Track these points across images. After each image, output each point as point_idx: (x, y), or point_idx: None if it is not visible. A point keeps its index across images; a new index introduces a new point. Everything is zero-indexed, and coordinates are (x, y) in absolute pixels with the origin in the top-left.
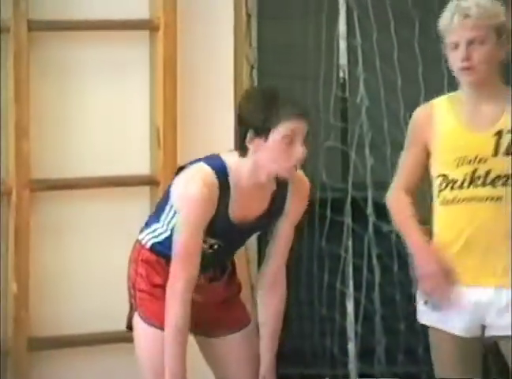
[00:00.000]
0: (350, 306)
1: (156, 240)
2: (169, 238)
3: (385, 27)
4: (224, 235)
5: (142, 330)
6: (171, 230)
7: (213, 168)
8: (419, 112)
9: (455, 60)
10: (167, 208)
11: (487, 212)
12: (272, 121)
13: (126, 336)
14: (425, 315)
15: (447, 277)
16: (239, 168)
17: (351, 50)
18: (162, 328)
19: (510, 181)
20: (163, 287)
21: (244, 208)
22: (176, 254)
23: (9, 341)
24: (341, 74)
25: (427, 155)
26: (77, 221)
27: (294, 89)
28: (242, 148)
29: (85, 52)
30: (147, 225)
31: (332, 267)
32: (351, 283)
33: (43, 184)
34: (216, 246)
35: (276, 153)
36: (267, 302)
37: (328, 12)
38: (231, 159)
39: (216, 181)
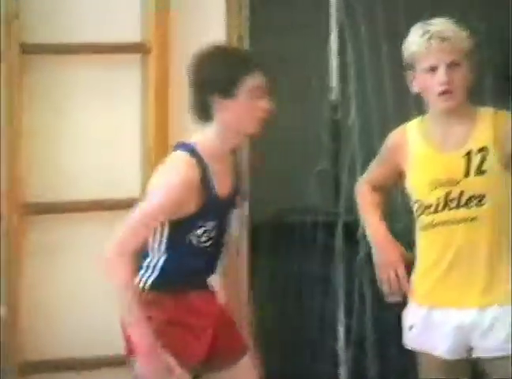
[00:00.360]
0: (341, 330)
1: (153, 276)
2: (167, 261)
3: (377, 46)
4: (216, 215)
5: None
6: (167, 251)
7: (186, 151)
8: (393, 136)
9: (432, 84)
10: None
11: (463, 233)
12: (237, 77)
13: (119, 361)
14: (411, 339)
15: (404, 266)
16: (205, 141)
17: (342, 70)
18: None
19: (484, 200)
20: (172, 322)
21: (221, 182)
22: (134, 218)
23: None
24: (333, 96)
25: (399, 173)
26: (69, 244)
27: (284, 110)
28: (206, 115)
29: (77, 75)
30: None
31: (323, 291)
32: (342, 306)
33: (34, 207)
34: (213, 233)
35: (244, 109)
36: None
37: (319, 31)
38: (193, 138)
39: (193, 160)
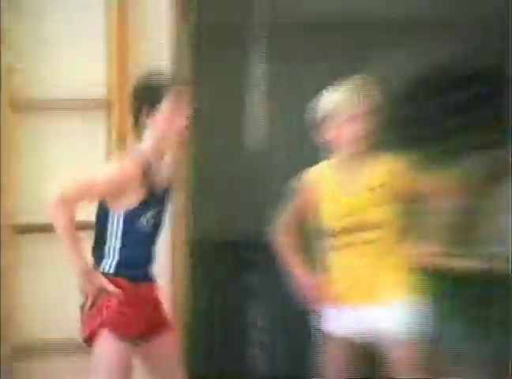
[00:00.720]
0: (262, 338)
1: (115, 260)
2: (122, 246)
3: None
4: (157, 204)
5: (110, 346)
6: (122, 235)
7: (132, 153)
8: (310, 175)
9: (351, 131)
10: (109, 223)
11: (367, 252)
12: (162, 93)
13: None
14: (324, 325)
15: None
16: (149, 145)
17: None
18: (125, 334)
19: (381, 225)
20: (125, 304)
21: (160, 177)
22: (81, 181)
23: None
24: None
25: (316, 205)
26: (55, 264)
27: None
28: (139, 123)
29: (52, 125)
30: (100, 258)
31: (246, 302)
32: (261, 318)
33: (24, 227)
34: (157, 219)
35: (170, 118)
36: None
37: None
38: (141, 146)
39: (138, 159)
